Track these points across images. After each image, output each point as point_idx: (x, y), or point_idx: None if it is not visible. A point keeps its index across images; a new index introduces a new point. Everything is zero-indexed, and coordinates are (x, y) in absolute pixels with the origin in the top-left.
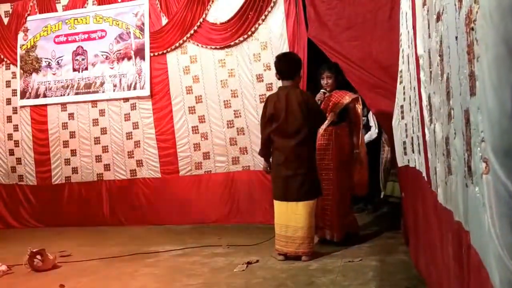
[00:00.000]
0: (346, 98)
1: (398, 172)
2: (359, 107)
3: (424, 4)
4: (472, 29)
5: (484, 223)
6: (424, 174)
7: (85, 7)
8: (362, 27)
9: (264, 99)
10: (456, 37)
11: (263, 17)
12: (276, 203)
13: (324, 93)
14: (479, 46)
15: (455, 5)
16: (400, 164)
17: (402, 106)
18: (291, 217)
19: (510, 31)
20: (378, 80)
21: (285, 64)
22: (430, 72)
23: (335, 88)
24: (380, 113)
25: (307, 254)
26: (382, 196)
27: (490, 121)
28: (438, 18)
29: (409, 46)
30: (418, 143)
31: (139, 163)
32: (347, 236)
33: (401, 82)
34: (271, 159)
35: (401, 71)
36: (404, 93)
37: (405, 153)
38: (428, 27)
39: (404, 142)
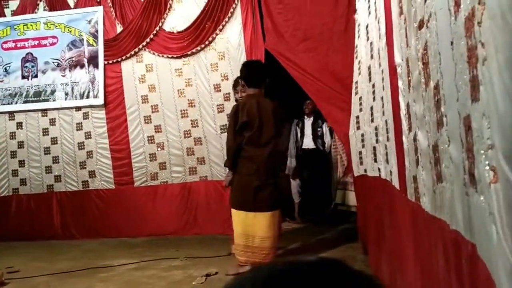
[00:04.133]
0: None
1: (354, 181)
2: None
3: (400, 13)
4: (474, 32)
5: (491, 234)
6: (394, 183)
7: (35, 13)
8: (318, 39)
9: (222, 109)
10: (452, 42)
11: (220, 27)
12: (241, 213)
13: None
14: (485, 49)
15: (449, 10)
16: (356, 173)
17: (357, 117)
18: (258, 227)
19: None
20: (334, 92)
21: (255, 71)
22: (409, 80)
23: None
24: (336, 124)
25: None
26: (332, 206)
27: (501, 126)
28: (421, 26)
29: (372, 57)
30: (386, 152)
31: (92, 174)
32: None
33: (356, 93)
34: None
35: (356, 82)
36: (360, 104)
37: (361, 163)
38: (406, 36)
39: (360, 152)
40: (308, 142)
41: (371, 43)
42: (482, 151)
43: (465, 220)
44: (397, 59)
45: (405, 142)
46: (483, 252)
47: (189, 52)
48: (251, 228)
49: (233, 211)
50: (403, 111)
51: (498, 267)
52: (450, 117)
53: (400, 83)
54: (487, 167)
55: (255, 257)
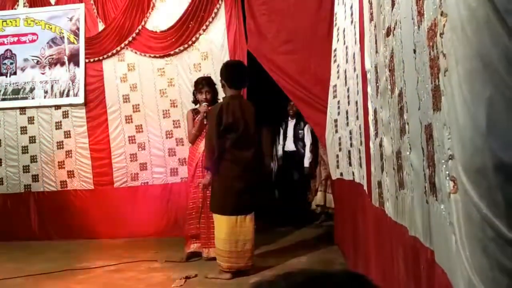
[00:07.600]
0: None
1: (332, 184)
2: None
3: (371, 19)
4: (436, 42)
5: (451, 243)
6: (365, 188)
7: (15, 9)
8: (301, 41)
9: None
10: (414, 51)
11: (204, 27)
12: (225, 218)
13: (208, 105)
14: (447, 60)
15: (413, 19)
16: (333, 176)
17: (336, 120)
18: (241, 230)
19: (485, 45)
20: (313, 97)
21: (239, 73)
22: (377, 86)
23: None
24: (318, 127)
25: (253, 267)
26: (313, 207)
27: (461, 138)
28: (389, 33)
29: (347, 61)
30: (360, 157)
31: (71, 174)
32: None
33: (335, 97)
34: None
35: (335, 86)
36: (338, 108)
37: (338, 166)
38: (376, 42)
39: (337, 156)
40: (289, 144)
41: (346, 47)
42: (443, 161)
43: (424, 227)
44: (367, 65)
45: (371, 148)
46: (442, 260)
47: (171, 52)
48: (235, 232)
49: (219, 216)
50: (370, 117)
51: (457, 276)
52: (412, 125)
53: (369, 88)
54: (447, 177)
55: (239, 262)
